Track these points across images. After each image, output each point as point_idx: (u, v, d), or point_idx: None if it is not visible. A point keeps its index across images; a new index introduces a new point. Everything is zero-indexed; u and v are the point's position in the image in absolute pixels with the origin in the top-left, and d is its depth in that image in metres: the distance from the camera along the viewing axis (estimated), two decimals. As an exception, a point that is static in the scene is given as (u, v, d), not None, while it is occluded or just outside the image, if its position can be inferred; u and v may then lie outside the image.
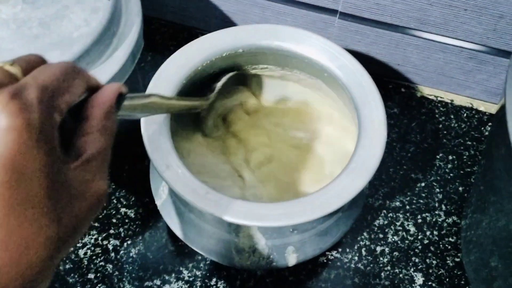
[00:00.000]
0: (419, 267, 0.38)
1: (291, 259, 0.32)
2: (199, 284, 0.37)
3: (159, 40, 0.50)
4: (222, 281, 0.37)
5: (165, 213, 0.34)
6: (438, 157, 0.44)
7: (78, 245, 0.38)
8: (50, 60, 0.25)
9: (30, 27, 0.30)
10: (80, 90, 0.18)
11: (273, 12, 0.46)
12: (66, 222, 0.17)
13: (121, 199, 0.40)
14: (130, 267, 0.37)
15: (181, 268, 0.37)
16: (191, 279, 0.37)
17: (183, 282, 0.37)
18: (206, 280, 0.37)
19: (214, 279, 0.37)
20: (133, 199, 0.40)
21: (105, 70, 0.31)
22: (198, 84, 0.37)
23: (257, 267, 0.33)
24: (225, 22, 0.49)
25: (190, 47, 0.35)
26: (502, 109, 0.28)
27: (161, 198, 0.35)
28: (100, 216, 0.39)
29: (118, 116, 0.20)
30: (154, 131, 0.30)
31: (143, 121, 0.31)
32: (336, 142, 0.38)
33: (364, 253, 0.39)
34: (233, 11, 0.48)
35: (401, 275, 0.38)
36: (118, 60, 0.31)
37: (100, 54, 0.31)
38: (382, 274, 0.38)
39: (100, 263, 0.37)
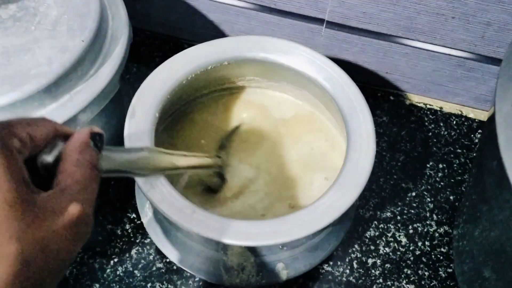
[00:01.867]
0: (411, 279, 0.38)
1: (282, 276, 0.32)
2: (188, 301, 0.36)
3: (144, 52, 0.49)
4: (212, 298, 0.36)
5: (151, 231, 0.34)
6: (428, 165, 0.44)
7: (63, 264, 0.37)
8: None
9: None
10: (45, 128, 0.20)
11: (260, 21, 0.46)
12: (29, 239, 0.18)
13: (107, 216, 0.39)
14: (117, 286, 0.36)
15: (169, 286, 0.36)
16: (180, 296, 0.36)
17: (171, 300, 0.36)
18: (196, 298, 0.36)
19: (204, 296, 0.36)
20: (119, 215, 0.40)
21: (70, 108, 0.30)
22: (183, 100, 0.36)
23: (246, 285, 0.32)
24: (211, 32, 0.48)
25: (174, 61, 0.34)
26: (492, 121, 0.27)
27: (147, 216, 0.34)
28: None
29: (103, 174, 0.22)
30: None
31: (126, 135, 0.30)
32: (323, 153, 0.37)
33: (355, 265, 0.38)
34: (218, 21, 0.47)
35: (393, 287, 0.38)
36: (83, 98, 0.30)
37: (62, 94, 0.29)
38: (374, 286, 0.37)
39: (87, 282, 0.36)
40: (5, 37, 0.29)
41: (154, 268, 0.37)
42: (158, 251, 0.38)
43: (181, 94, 0.35)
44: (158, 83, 0.33)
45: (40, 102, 0.29)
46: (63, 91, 0.30)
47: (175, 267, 0.37)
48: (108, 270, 0.37)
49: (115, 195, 0.40)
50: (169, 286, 0.36)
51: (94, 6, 0.31)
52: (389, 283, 0.38)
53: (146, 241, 0.38)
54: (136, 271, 0.37)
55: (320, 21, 0.44)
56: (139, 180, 0.28)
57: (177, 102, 0.35)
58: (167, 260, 0.38)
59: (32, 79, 0.28)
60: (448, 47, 0.43)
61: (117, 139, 0.39)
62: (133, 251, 0.38)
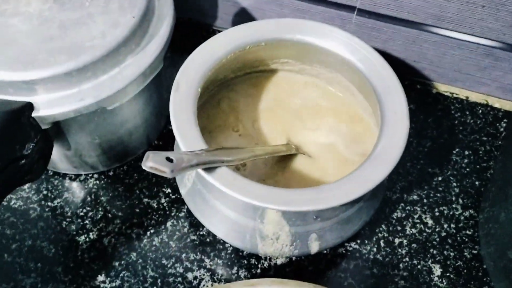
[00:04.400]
0: (437, 259, 0.39)
1: (314, 247, 0.33)
2: (220, 272, 0.37)
3: (177, 37, 0.51)
4: (243, 270, 0.38)
5: (190, 201, 0.35)
6: (454, 152, 0.45)
7: (102, 233, 0.39)
8: (54, 63, 0.28)
9: (49, 27, 0.30)
10: None
11: (291, 9, 0.47)
12: None
13: (144, 190, 0.41)
14: (153, 255, 0.38)
15: (203, 257, 0.38)
16: (212, 267, 0.38)
17: (205, 270, 0.37)
18: (228, 269, 0.38)
19: (235, 268, 0.38)
20: (155, 190, 0.41)
21: (120, 80, 0.31)
22: (219, 80, 0.37)
23: (280, 254, 0.34)
24: (243, 19, 0.50)
25: (215, 40, 0.36)
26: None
27: (186, 187, 0.35)
28: (123, 206, 0.40)
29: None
30: (183, 121, 0.31)
31: (172, 107, 0.31)
32: (354, 136, 0.38)
33: (382, 244, 0.39)
34: (250, 8, 0.49)
35: (419, 266, 0.38)
36: (132, 72, 0.32)
37: (113, 66, 0.31)
38: (401, 265, 0.38)
39: (124, 251, 0.38)
40: (62, 11, 0.31)
41: (188, 240, 0.39)
42: (192, 224, 0.40)
43: (219, 73, 0.36)
44: (200, 60, 0.34)
45: (93, 73, 0.31)
46: (113, 64, 0.31)
47: (208, 240, 0.39)
48: (144, 241, 0.39)
49: (150, 174, 0.42)
50: (202, 256, 0.38)
51: None
52: (415, 261, 0.39)
53: (180, 215, 0.40)
54: (171, 242, 0.39)
55: (351, 8, 0.45)
56: (184, 148, 0.30)
57: (215, 81, 0.37)
58: (201, 232, 0.39)
59: (86, 50, 0.30)
60: (477, 36, 0.44)
61: (159, 111, 0.41)
62: (168, 224, 0.40)
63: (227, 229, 0.34)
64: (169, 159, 0.26)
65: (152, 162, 0.26)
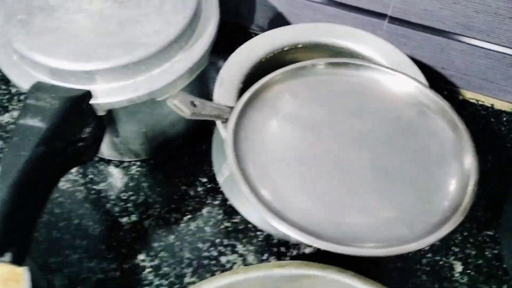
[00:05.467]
0: (458, 256, 0.41)
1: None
2: (252, 257, 0.40)
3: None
4: (273, 257, 0.40)
5: (227, 188, 0.38)
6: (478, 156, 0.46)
7: (143, 216, 0.42)
8: (112, 56, 0.31)
9: (108, 24, 0.34)
10: None
11: (324, 14, 0.50)
12: None
13: (182, 178, 0.44)
14: (190, 239, 0.41)
15: (235, 243, 0.41)
16: (245, 252, 0.40)
17: (237, 255, 0.40)
18: (258, 255, 0.40)
19: (266, 255, 0.40)
20: (192, 179, 0.44)
21: (170, 74, 0.35)
22: (259, 76, 0.40)
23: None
24: (277, 23, 0.53)
25: (256, 40, 0.38)
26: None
27: (223, 175, 0.38)
28: (163, 192, 0.43)
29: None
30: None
31: (216, 101, 0.34)
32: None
33: (405, 240, 0.41)
34: (285, 12, 0.52)
35: (441, 262, 0.40)
36: (182, 66, 0.35)
37: (165, 61, 0.34)
38: (423, 260, 0.40)
39: (163, 234, 0.41)
40: (121, 10, 0.34)
41: (222, 226, 0.42)
42: (226, 212, 0.42)
43: (258, 71, 0.39)
44: (242, 58, 0.37)
45: (146, 67, 0.34)
46: (165, 59, 0.34)
47: (240, 227, 0.41)
48: (182, 225, 0.42)
49: (189, 161, 0.45)
50: (235, 242, 0.41)
51: None
52: (437, 258, 0.40)
53: (215, 203, 0.43)
54: (206, 228, 0.41)
55: (382, 16, 0.47)
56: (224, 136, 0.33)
57: (254, 78, 0.40)
58: (234, 220, 0.42)
59: (141, 46, 0.33)
60: (504, 46, 0.45)
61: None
62: (204, 211, 0.42)
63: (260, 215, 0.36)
64: (194, 104, 0.29)
65: (177, 101, 0.30)
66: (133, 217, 0.42)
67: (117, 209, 0.42)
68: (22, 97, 0.49)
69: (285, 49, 0.39)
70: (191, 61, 0.35)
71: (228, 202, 0.43)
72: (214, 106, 0.32)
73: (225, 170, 0.38)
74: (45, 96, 0.31)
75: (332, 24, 0.40)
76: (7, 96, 0.49)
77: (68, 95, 0.32)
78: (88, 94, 0.33)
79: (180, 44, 0.35)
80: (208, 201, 0.43)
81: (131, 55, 0.33)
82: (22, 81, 0.34)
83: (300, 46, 0.39)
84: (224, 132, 0.33)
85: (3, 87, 0.50)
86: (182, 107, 0.30)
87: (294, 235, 0.28)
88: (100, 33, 0.33)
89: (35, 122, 0.30)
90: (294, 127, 0.33)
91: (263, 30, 0.53)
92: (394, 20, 0.47)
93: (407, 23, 0.47)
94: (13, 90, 0.50)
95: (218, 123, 0.34)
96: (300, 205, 0.30)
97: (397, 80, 0.35)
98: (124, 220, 0.42)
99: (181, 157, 0.45)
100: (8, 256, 0.27)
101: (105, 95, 0.33)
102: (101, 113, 0.34)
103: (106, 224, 0.42)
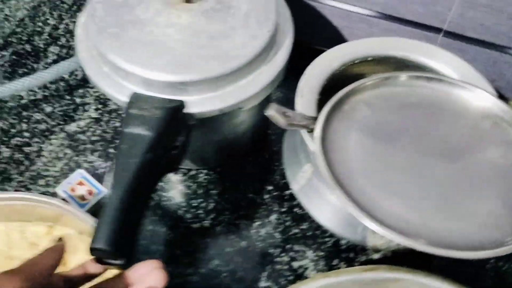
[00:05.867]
0: (520, 262, 0.42)
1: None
2: (322, 263, 0.41)
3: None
4: (343, 262, 0.41)
5: (303, 195, 0.39)
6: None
7: (214, 222, 0.43)
8: (207, 68, 0.34)
9: (199, 37, 0.35)
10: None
11: (379, 28, 0.52)
12: None
13: (248, 186, 0.46)
14: (261, 244, 0.42)
15: (305, 248, 0.42)
16: (315, 258, 0.42)
17: (308, 260, 0.41)
18: (329, 260, 0.41)
19: (336, 260, 0.42)
20: (258, 186, 0.46)
21: (255, 85, 0.36)
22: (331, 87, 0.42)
23: (386, 247, 0.37)
24: (333, 37, 0.54)
25: (329, 54, 0.40)
26: None
27: (298, 183, 0.40)
28: (231, 200, 0.45)
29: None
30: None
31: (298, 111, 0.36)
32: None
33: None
34: (340, 26, 0.53)
35: (504, 268, 0.42)
36: (266, 77, 0.37)
37: (250, 73, 0.36)
38: (488, 266, 0.42)
39: (235, 239, 0.42)
40: (209, 24, 0.36)
41: (291, 233, 0.43)
42: (294, 219, 0.44)
43: (330, 83, 0.41)
44: (318, 70, 0.39)
45: (235, 78, 0.35)
46: (251, 71, 0.36)
47: (309, 233, 0.43)
48: (252, 231, 0.43)
49: (253, 169, 0.47)
50: (305, 248, 0.42)
51: (272, 3, 0.38)
52: (500, 263, 0.42)
53: (282, 210, 0.44)
54: (276, 234, 0.43)
55: (438, 30, 0.49)
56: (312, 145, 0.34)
57: (328, 90, 0.41)
58: (302, 227, 0.43)
59: (232, 58, 0.35)
60: (555, 60, 0.47)
61: (265, 116, 0.45)
62: (272, 217, 0.44)
63: (338, 221, 0.38)
64: (286, 114, 0.31)
65: (274, 111, 0.32)
66: (205, 223, 0.43)
67: (188, 215, 0.44)
68: (87, 107, 0.51)
69: (356, 62, 0.41)
70: (273, 73, 0.37)
71: (295, 210, 0.44)
72: (304, 116, 0.34)
73: (300, 179, 0.39)
74: (147, 106, 0.33)
75: (400, 38, 0.42)
76: (72, 106, 0.51)
77: (167, 105, 0.33)
78: (182, 104, 0.34)
79: (263, 56, 0.37)
80: (275, 208, 0.44)
81: (223, 67, 0.34)
82: (115, 92, 0.35)
83: (370, 59, 0.41)
84: (308, 140, 0.35)
85: (67, 97, 0.52)
86: (278, 118, 0.32)
87: (399, 240, 0.29)
88: (192, 46, 0.35)
89: (141, 131, 0.31)
90: (375, 137, 0.35)
91: (317, 43, 0.55)
92: (449, 34, 0.49)
93: (462, 37, 0.49)
94: (78, 100, 0.51)
95: (304, 133, 0.35)
96: (392, 210, 0.31)
97: (473, 93, 0.37)
98: (196, 226, 0.43)
99: (246, 165, 0.47)
100: (122, 261, 0.29)
101: (197, 105, 0.35)
102: (192, 122, 0.35)
103: (179, 230, 0.43)
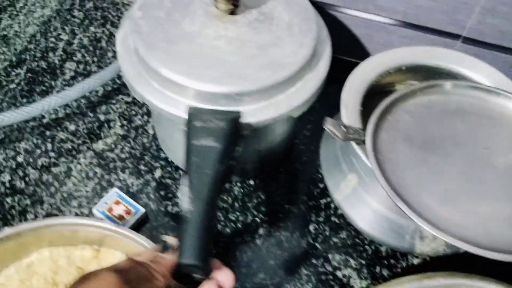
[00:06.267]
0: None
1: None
2: (365, 271, 0.42)
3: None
4: (385, 269, 0.42)
5: (347, 205, 0.40)
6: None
7: (255, 235, 0.43)
8: (261, 78, 0.34)
9: (249, 48, 0.35)
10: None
11: (398, 36, 0.53)
12: None
13: (283, 197, 0.46)
14: (303, 256, 0.42)
15: (347, 257, 0.43)
16: (358, 266, 0.42)
17: (351, 269, 0.42)
18: (371, 268, 0.42)
19: (378, 267, 0.42)
20: (292, 197, 0.46)
21: (303, 92, 0.37)
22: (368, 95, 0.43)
23: (434, 253, 0.38)
24: (353, 44, 0.55)
25: (365, 65, 0.41)
26: None
27: (342, 193, 0.40)
28: (268, 211, 0.45)
29: None
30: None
31: (346, 122, 0.36)
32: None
33: None
34: (359, 34, 0.54)
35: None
36: (312, 85, 0.37)
37: (299, 80, 0.36)
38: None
39: (277, 251, 0.42)
40: (256, 35, 0.36)
41: (331, 242, 0.43)
42: (332, 228, 0.44)
43: (367, 94, 0.42)
44: (357, 82, 0.40)
45: (285, 86, 0.35)
46: (299, 78, 0.36)
47: (349, 242, 0.43)
48: (293, 242, 0.43)
49: (286, 180, 0.47)
50: (346, 257, 0.43)
51: (312, 12, 0.39)
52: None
53: (320, 220, 0.45)
54: (316, 244, 0.43)
55: (456, 36, 0.51)
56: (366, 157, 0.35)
57: (366, 101, 0.42)
58: (341, 236, 0.44)
59: (284, 67, 0.35)
60: None
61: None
62: (311, 227, 0.44)
63: (385, 230, 0.38)
64: (340, 127, 0.33)
65: (331, 125, 0.33)
66: (246, 237, 0.43)
67: (228, 230, 0.44)
68: (112, 124, 0.50)
69: (390, 71, 0.41)
70: (319, 80, 0.37)
71: (332, 218, 0.45)
72: (354, 129, 0.35)
73: (344, 188, 0.40)
74: (211, 118, 0.33)
75: (431, 47, 0.43)
76: (97, 124, 0.50)
77: (228, 116, 0.33)
78: (239, 115, 0.34)
79: (310, 64, 0.37)
80: (312, 218, 0.45)
81: (276, 76, 0.35)
82: (170, 107, 0.35)
83: (403, 68, 0.42)
84: (359, 152, 0.36)
85: (91, 114, 0.51)
86: (336, 131, 0.32)
87: (463, 246, 0.30)
88: (243, 57, 0.35)
89: (210, 143, 0.31)
90: (420, 145, 0.36)
91: (336, 52, 0.55)
92: (467, 40, 0.50)
93: (481, 43, 0.50)
94: (102, 117, 0.51)
95: (353, 144, 0.36)
96: (449, 217, 0.32)
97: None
98: (237, 240, 0.43)
99: (278, 176, 0.47)
100: (205, 274, 0.29)
101: (252, 115, 0.35)
102: (246, 132, 0.35)
103: (220, 245, 0.43)
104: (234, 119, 0.33)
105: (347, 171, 0.39)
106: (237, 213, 0.45)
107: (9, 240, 0.35)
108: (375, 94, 0.44)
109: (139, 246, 0.35)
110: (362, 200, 0.39)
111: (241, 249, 0.43)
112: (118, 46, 0.38)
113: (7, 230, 0.34)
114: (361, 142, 0.35)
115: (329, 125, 0.33)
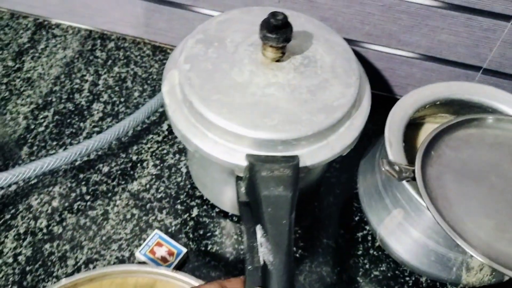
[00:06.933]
0: None
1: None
2: (409, 303, 0.42)
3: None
4: (429, 300, 0.43)
5: (392, 238, 0.41)
6: None
7: (296, 272, 0.43)
8: (316, 121, 0.35)
9: (300, 93, 0.36)
10: None
11: (420, 68, 0.54)
12: None
13: (321, 231, 0.46)
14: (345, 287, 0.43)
15: (390, 290, 0.43)
16: (402, 299, 0.42)
17: (396, 302, 0.42)
18: (415, 300, 0.43)
19: (421, 299, 0.43)
20: (330, 231, 0.46)
21: (352, 131, 0.38)
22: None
23: (479, 283, 0.39)
24: (375, 77, 0.57)
25: (403, 102, 0.42)
26: None
27: (387, 228, 0.41)
28: (308, 247, 0.45)
29: None
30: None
31: (392, 159, 0.37)
32: None
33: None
34: (381, 68, 0.56)
35: None
36: (359, 122, 0.38)
37: (347, 119, 0.38)
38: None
39: (321, 288, 0.43)
40: (304, 79, 0.37)
41: (372, 275, 0.44)
42: (371, 262, 0.44)
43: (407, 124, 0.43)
44: (397, 118, 0.41)
45: (337, 127, 0.36)
46: (348, 117, 0.37)
47: (389, 274, 0.44)
48: (334, 277, 0.43)
49: (321, 214, 0.47)
50: (390, 290, 0.43)
51: (351, 52, 0.40)
52: None
53: (358, 253, 0.45)
54: (358, 278, 0.44)
55: (477, 68, 0.52)
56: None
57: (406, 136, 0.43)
58: (381, 269, 0.44)
59: (336, 108, 0.36)
60: None
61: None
62: (351, 261, 0.45)
63: (432, 263, 0.39)
64: (393, 167, 0.34)
65: (388, 167, 0.34)
66: (289, 274, 0.43)
67: (270, 267, 0.44)
68: (145, 164, 0.50)
69: (426, 106, 0.43)
70: (364, 116, 0.38)
71: (370, 251, 0.45)
72: (404, 167, 0.35)
73: (389, 223, 0.41)
74: (276, 167, 0.33)
75: (463, 82, 0.44)
76: (130, 164, 0.50)
77: (291, 163, 0.34)
78: (298, 159, 0.35)
79: (356, 102, 0.38)
80: (351, 252, 0.45)
81: (331, 118, 0.36)
82: (228, 156, 0.35)
83: (438, 103, 0.43)
84: (410, 189, 0.37)
85: (123, 155, 0.51)
86: (392, 172, 0.33)
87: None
88: (296, 102, 0.36)
89: (281, 192, 0.32)
90: (465, 178, 0.37)
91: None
92: (488, 71, 0.52)
93: (501, 74, 0.52)
94: (134, 158, 0.51)
95: (406, 183, 0.37)
96: (503, 248, 0.33)
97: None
98: (280, 278, 0.43)
99: (314, 210, 0.48)
100: None
101: (308, 158, 0.35)
102: (302, 175, 0.36)
103: (264, 283, 0.43)
104: (296, 165, 0.34)
105: (391, 206, 0.40)
106: (278, 250, 0.45)
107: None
108: (411, 128, 0.46)
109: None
110: (408, 234, 0.40)
111: None
112: (166, 99, 0.38)
113: (64, 281, 0.34)
114: (410, 179, 0.36)
115: (387, 166, 0.33)
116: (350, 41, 0.54)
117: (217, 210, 0.47)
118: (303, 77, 0.37)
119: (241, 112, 0.35)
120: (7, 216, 0.46)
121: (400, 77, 0.56)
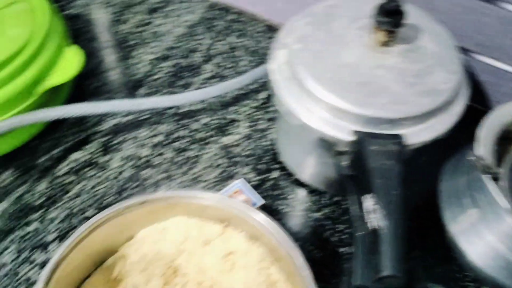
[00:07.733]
0: None
1: None
2: (466, 307, 0.42)
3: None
4: (487, 310, 0.42)
5: (463, 238, 0.41)
6: None
7: None
8: (422, 103, 0.37)
9: (407, 76, 0.39)
10: None
11: (528, 89, 0.53)
12: None
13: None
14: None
15: (449, 290, 0.43)
16: (459, 302, 0.43)
17: (452, 303, 0.42)
18: (472, 306, 0.42)
19: (480, 307, 0.42)
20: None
21: (453, 116, 0.39)
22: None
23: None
24: (477, 91, 0.56)
25: (507, 106, 0.42)
26: None
27: (459, 225, 0.41)
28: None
29: None
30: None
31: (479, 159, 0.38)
32: None
33: None
34: (486, 83, 0.55)
35: None
36: (458, 110, 0.40)
37: (451, 104, 0.39)
38: None
39: None
40: (411, 63, 0.40)
41: (438, 270, 0.44)
42: (435, 258, 0.45)
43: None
44: (493, 123, 0.41)
45: (438, 111, 0.38)
46: (451, 102, 0.39)
47: (458, 275, 0.44)
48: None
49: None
50: (448, 290, 0.43)
51: (453, 42, 0.42)
52: None
53: (424, 246, 0.46)
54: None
55: None
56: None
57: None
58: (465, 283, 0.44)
59: (441, 93, 0.38)
60: None
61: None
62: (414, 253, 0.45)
63: (501, 269, 0.39)
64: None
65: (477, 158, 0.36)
66: (352, 248, 0.45)
67: (334, 239, 0.46)
68: (238, 124, 0.55)
69: None
70: (463, 105, 0.40)
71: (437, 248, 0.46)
72: (492, 165, 0.36)
73: (462, 222, 0.41)
74: (385, 142, 0.36)
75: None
76: (225, 121, 0.55)
77: (398, 140, 0.37)
78: (403, 138, 0.37)
79: (459, 89, 0.40)
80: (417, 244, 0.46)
81: (435, 101, 0.38)
82: (337, 132, 0.38)
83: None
84: (492, 189, 0.37)
85: (221, 112, 0.56)
86: (480, 162, 0.34)
87: None
88: (403, 84, 0.38)
89: (390, 165, 0.35)
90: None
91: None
92: None
93: None
94: (230, 116, 0.56)
95: (487, 183, 0.37)
96: None
97: None
98: (342, 250, 0.45)
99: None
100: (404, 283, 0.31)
101: (410, 137, 0.38)
102: (406, 155, 0.37)
103: (326, 251, 0.45)
104: (401, 142, 0.37)
105: (468, 206, 0.41)
106: (345, 224, 0.47)
107: (145, 205, 0.40)
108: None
109: (264, 230, 0.38)
110: (480, 236, 0.40)
111: (345, 259, 0.45)
112: (274, 76, 0.42)
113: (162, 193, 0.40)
114: (494, 175, 0.36)
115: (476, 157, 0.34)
116: (459, 49, 0.54)
117: (294, 177, 0.50)
118: (410, 62, 0.40)
119: (351, 91, 0.38)
120: (118, 140, 0.53)
121: (504, 95, 0.55)
